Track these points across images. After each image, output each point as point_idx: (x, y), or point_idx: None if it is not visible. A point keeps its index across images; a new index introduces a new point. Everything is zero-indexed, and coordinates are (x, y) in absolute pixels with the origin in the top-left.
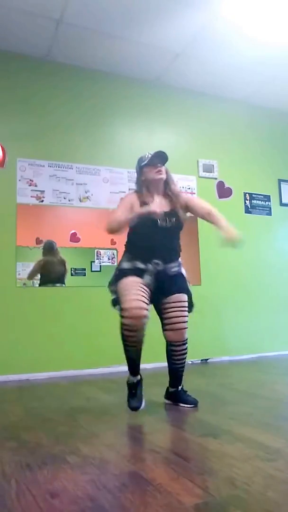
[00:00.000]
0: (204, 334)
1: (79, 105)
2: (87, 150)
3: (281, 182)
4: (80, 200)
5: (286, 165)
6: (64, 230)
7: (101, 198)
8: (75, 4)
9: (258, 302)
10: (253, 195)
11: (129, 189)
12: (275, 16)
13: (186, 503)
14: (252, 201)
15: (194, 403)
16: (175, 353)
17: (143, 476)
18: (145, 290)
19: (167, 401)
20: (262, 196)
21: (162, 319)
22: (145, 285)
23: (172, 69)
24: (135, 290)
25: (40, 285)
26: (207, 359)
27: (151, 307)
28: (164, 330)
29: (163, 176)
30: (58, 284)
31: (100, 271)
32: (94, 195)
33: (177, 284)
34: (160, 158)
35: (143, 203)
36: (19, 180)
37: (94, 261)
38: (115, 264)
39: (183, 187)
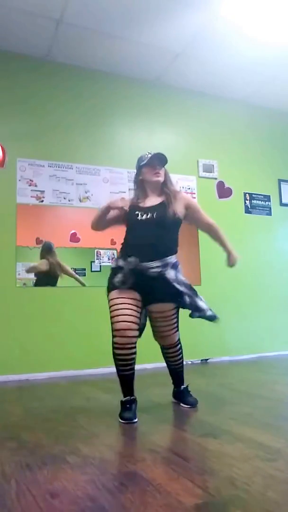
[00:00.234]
0: (204, 334)
1: (79, 105)
2: (87, 150)
3: (281, 182)
4: (80, 200)
5: (286, 165)
6: (64, 230)
7: (101, 198)
8: (75, 4)
9: (258, 302)
10: (253, 195)
11: (129, 189)
12: (275, 16)
13: (186, 503)
14: (252, 201)
15: (192, 403)
16: (168, 355)
17: (143, 476)
18: (133, 304)
19: (174, 400)
20: (262, 196)
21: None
22: (132, 298)
23: (172, 69)
24: (124, 306)
25: (35, 285)
26: (207, 359)
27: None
28: (153, 335)
29: (161, 178)
30: (48, 286)
31: (100, 271)
32: (94, 195)
33: (159, 291)
34: (159, 160)
35: (132, 205)
36: (19, 180)
37: (94, 261)
38: None
39: (183, 187)
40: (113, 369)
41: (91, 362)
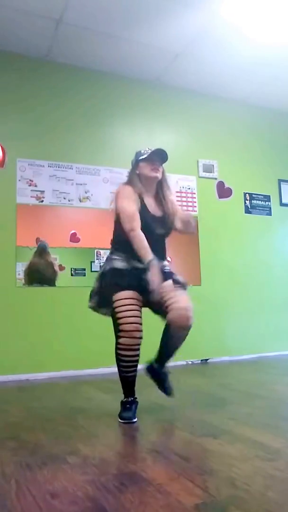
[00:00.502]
0: (204, 334)
1: (79, 105)
2: (87, 150)
3: (281, 182)
4: (80, 200)
5: (286, 165)
6: (64, 230)
7: (101, 198)
8: (75, 4)
9: (258, 302)
10: (253, 195)
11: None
12: (275, 17)
13: (186, 503)
14: (252, 201)
15: (171, 392)
16: (178, 336)
17: (143, 476)
18: (139, 305)
19: (146, 374)
20: (262, 196)
21: (163, 307)
22: (138, 299)
23: (172, 69)
24: (132, 307)
25: (26, 284)
26: (207, 359)
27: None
28: (166, 313)
29: (159, 175)
30: (45, 285)
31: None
32: (94, 195)
33: (166, 276)
34: (159, 156)
35: (142, 200)
36: (19, 180)
37: (94, 261)
38: None
39: (183, 187)
40: (113, 369)
41: (91, 362)
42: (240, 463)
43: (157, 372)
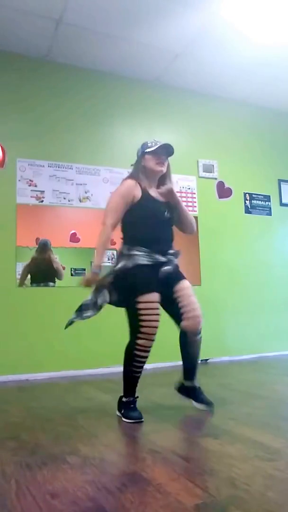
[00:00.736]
0: (204, 334)
1: (79, 105)
2: (87, 150)
3: (281, 182)
4: (80, 200)
5: (286, 165)
6: (64, 230)
7: (101, 198)
8: (75, 4)
9: (258, 302)
10: (253, 195)
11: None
12: (275, 17)
13: (186, 503)
14: (252, 201)
15: (209, 404)
16: (192, 344)
17: (143, 476)
18: (159, 308)
19: (179, 395)
20: (262, 196)
21: (177, 309)
22: (159, 302)
23: (171, 69)
24: (157, 311)
25: (30, 284)
26: (207, 359)
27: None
28: (181, 320)
29: (163, 169)
30: (51, 284)
31: (100, 271)
32: (94, 195)
33: (178, 270)
34: (166, 150)
35: (146, 191)
36: (19, 180)
37: (94, 261)
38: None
39: (183, 187)
40: (112, 369)
41: (91, 362)
42: (240, 463)
43: (188, 388)
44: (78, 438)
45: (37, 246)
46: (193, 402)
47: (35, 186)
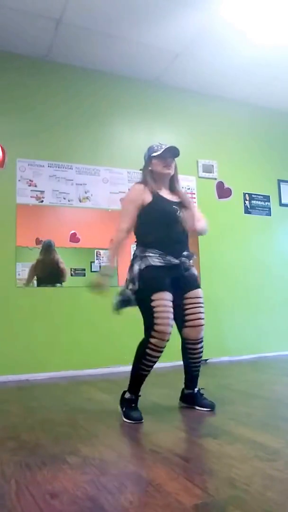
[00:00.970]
0: (204, 334)
1: (79, 105)
2: (87, 150)
3: (281, 183)
4: (80, 201)
5: (285, 166)
6: (64, 231)
7: (100, 199)
8: (75, 4)
9: (258, 303)
10: (253, 196)
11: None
12: (275, 18)
13: (186, 503)
14: (252, 201)
15: (212, 406)
16: (193, 351)
17: (143, 476)
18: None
19: (183, 404)
20: (261, 197)
21: (182, 315)
22: (172, 300)
23: (171, 69)
24: (170, 309)
25: (37, 285)
26: (207, 359)
27: None
28: (183, 327)
29: (171, 171)
30: (58, 284)
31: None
32: (94, 196)
33: (194, 278)
34: (172, 153)
35: (156, 193)
36: (19, 180)
37: (94, 262)
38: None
39: (182, 187)
40: (112, 369)
41: (91, 362)
42: (240, 463)
43: (188, 396)
44: (78, 438)
45: (37, 246)
46: (196, 406)
47: (35, 186)
